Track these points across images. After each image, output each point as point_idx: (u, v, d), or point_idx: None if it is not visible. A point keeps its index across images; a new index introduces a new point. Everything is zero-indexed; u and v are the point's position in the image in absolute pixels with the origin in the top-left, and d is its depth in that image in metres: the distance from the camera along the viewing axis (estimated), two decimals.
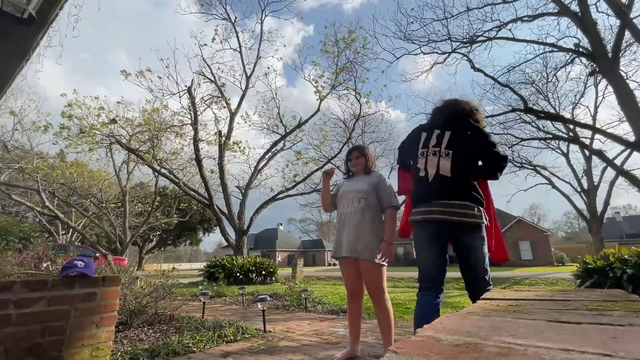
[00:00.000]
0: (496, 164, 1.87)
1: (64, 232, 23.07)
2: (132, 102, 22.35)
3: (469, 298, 1.80)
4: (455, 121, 1.97)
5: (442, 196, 1.80)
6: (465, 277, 1.83)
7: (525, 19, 10.01)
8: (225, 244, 15.12)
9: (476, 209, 1.77)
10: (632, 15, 7.73)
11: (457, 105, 2.05)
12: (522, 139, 15.00)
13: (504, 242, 2.08)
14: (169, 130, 12.82)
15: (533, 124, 15.38)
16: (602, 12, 9.54)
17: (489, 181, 2.07)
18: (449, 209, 1.76)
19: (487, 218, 1.86)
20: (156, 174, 15.04)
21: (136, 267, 28.15)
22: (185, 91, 12.57)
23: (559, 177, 17.94)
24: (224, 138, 13.25)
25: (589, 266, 5.78)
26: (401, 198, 2.46)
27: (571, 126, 14.85)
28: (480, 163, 1.90)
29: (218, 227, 13.55)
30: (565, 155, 17.71)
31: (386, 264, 2.18)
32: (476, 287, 1.76)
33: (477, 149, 1.86)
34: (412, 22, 10.88)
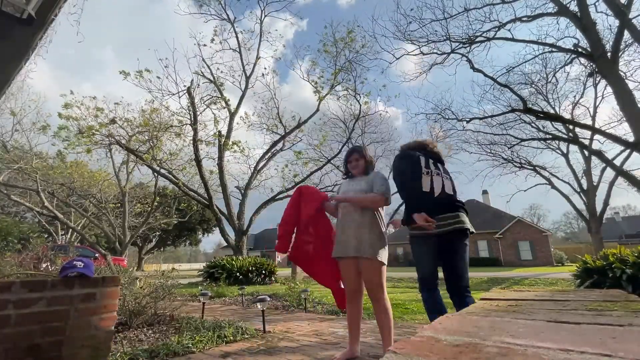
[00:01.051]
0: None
1: (63, 232, 23.04)
2: (128, 101, 22.31)
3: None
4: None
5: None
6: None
7: (524, 19, 10.01)
8: (225, 244, 15.12)
9: None
10: (631, 16, 7.74)
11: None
12: (522, 140, 15.01)
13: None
14: (168, 130, 12.82)
15: (533, 124, 15.39)
16: (602, 12, 9.54)
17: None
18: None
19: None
20: (156, 174, 15.03)
21: (135, 268, 28.09)
22: (185, 91, 12.57)
23: (558, 178, 17.96)
24: (223, 138, 13.25)
25: (588, 266, 5.79)
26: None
27: (571, 126, 14.86)
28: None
29: (217, 228, 13.54)
30: (565, 155, 17.73)
31: (386, 263, 2.19)
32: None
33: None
34: (411, 23, 10.88)
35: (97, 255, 13.20)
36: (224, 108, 13.83)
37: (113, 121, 11.86)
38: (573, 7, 8.76)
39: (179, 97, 12.85)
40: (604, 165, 14.55)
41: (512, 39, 10.37)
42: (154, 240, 37.02)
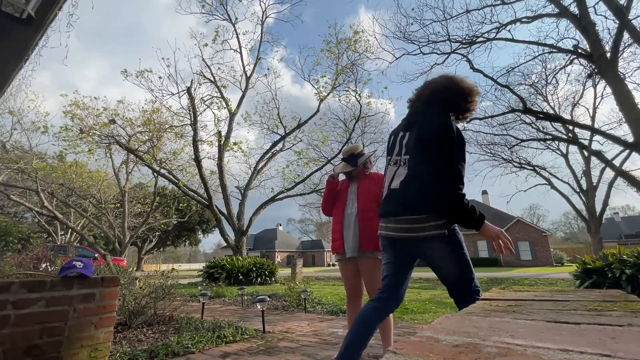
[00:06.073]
0: (448, 193, 1.43)
1: (62, 232, 23.01)
2: (115, 98, 22.20)
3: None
4: (418, 114, 1.56)
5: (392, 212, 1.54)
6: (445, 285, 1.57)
7: (524, 20, 10.02)
8: (225, 244, 15.12)
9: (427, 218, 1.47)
10: (630, 17, 7.75)
11: (426, 89, 1.59)
12: (522, 140, 15.03)
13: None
14: (168, 130, 12.83)
15: (533, 124, 15.41)
16: (601, 15, 9.55)
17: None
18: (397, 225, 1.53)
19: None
20: (155, 174, 15.03)
21: (135, 268, 28.07)
22: (185, 91, 12.57)
23: (558, 178, 17.99)
24: (223, 139, 13.25)
25: (588, 267, 5.79)
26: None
27: (570, 127, 14.88)
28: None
29: (217, 228, 13.54)
30: (565, 155, 17.75)
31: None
32: (455, 291, 1.52)
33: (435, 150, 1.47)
34: (412, 24, 10.91)
35: (96, 255, 13.19)
36: (225, 108, 13.83)
37: (113, 121, 11.87)
38: (573, 8, 8.78)
39: (179, 97, 12.85)
40: (604, 165, 14.57)
41: (512, 40, 10.38)
42: (153, 240, 36.98)
